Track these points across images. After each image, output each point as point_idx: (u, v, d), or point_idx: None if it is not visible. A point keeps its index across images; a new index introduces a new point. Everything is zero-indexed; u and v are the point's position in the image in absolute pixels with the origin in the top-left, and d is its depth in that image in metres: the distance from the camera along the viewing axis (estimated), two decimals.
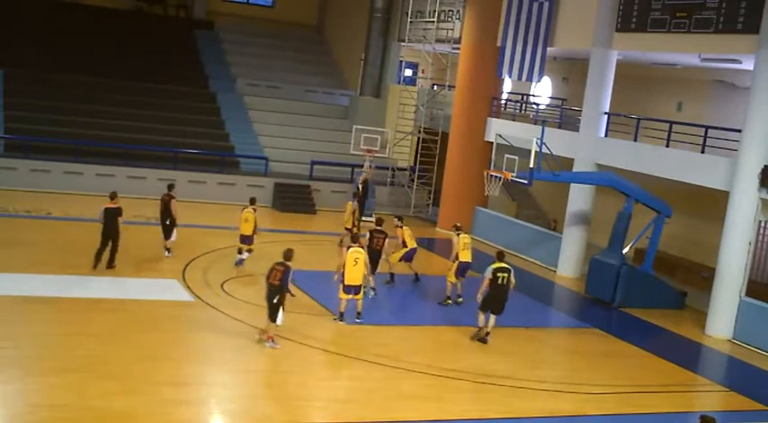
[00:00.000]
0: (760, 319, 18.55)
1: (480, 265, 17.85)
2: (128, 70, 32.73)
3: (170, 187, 20.69)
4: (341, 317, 16.73)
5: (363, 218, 26.34)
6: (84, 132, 28.82)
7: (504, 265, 16.45)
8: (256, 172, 29.71)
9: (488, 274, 16.35)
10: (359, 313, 16.85)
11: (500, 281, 16.31)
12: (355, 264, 16.38)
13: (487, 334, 16.59)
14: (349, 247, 16.68)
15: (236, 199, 28.38)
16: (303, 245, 20.93)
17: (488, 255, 20.82)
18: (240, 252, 20.11)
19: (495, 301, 16.43)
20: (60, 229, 22.39)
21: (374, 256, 18.39)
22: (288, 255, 15.01)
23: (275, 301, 14.74)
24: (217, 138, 31.14)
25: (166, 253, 20.36)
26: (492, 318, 16.57)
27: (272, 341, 14.84)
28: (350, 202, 23.39)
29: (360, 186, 26.56)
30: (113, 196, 18.72)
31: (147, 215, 23.09)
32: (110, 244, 18.57)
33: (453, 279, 18.82)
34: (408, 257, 20.10)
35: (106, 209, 18.50)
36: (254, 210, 19.99)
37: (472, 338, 16.63)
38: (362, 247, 16.89)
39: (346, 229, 21.77)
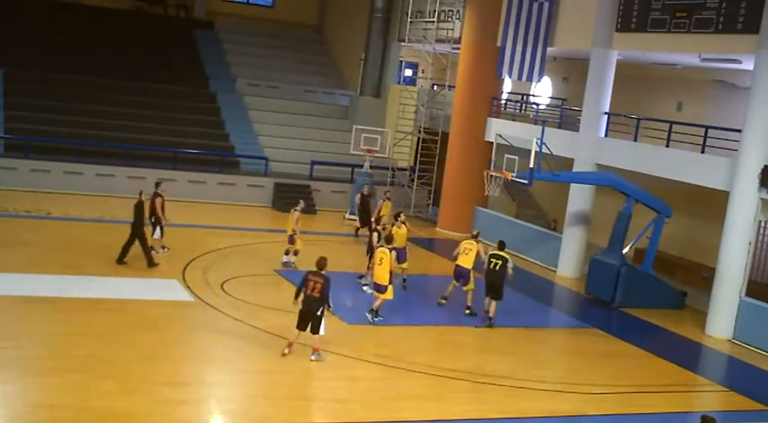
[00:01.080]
0: (760, 319, 18.55)
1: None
2: (128, 70, 32.75)
3: (156, 185, 20.79)
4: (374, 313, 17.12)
5: (350, 217, 27.11)
6: (84, 132, 28.81)
7: (499, 252, 17.52)
8: (256, 172, 29.70)
9: (485, 259, 17.70)
10: (371, 310, 17.01)
11: (492, 266, 17.49)
12: (380, 263, 16.69)
13: (490, 319, 17.50)
14: (377, 247, 17.25)
15: (236, 199, 28.55)
16: (303, 245, 20.92)
17: None
18: (287, 253, 20.65)
19: (487, 284, 17.57)
20: (60, 229, 22.39)
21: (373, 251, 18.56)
22: (322, 264, 14.44)
23: (318, 313, 14.31)
24: (217, 138, 31.14)
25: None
26: (492, 304, 17.49)
27: (318, 354, 14.41)
28: (386, 202, 23.66)
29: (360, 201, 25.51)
30: (141, 193, 19.57)
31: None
32: (138, 238, 19.19)
33: (455, 282, 18.88)
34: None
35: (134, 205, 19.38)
36: (295, 211, 20.59)
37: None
38: (390, 250, 16.97)
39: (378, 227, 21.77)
